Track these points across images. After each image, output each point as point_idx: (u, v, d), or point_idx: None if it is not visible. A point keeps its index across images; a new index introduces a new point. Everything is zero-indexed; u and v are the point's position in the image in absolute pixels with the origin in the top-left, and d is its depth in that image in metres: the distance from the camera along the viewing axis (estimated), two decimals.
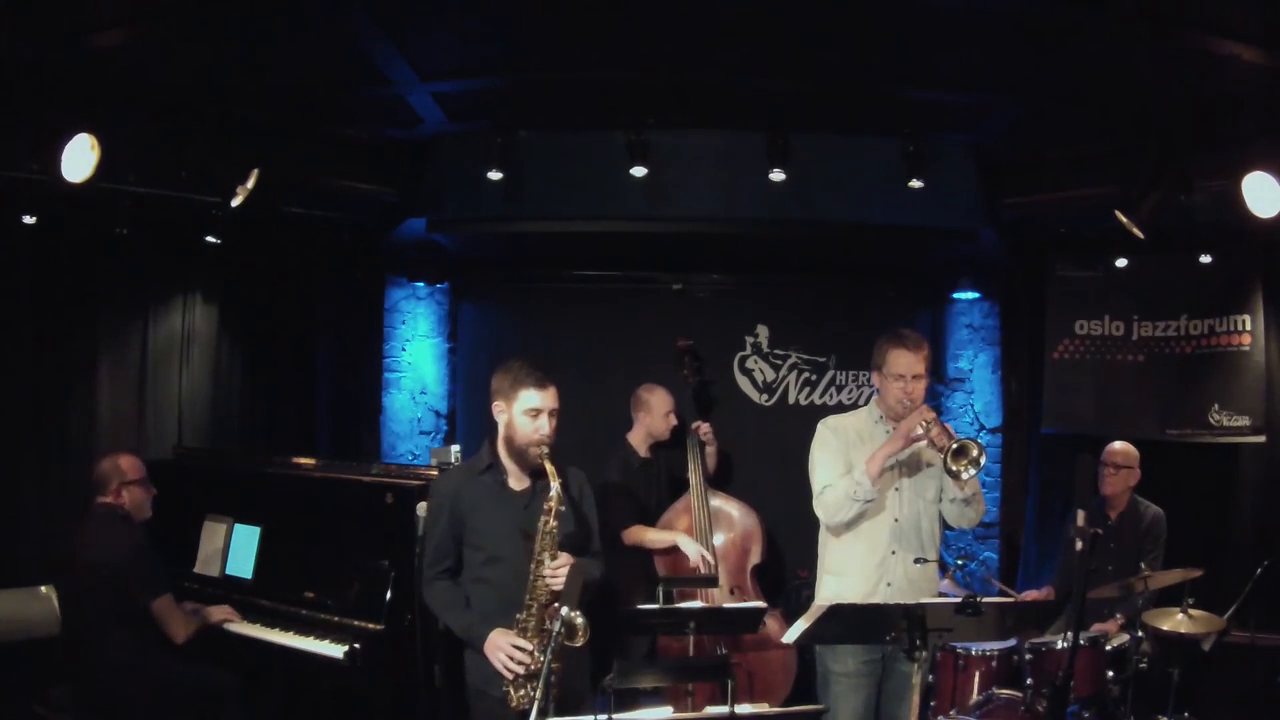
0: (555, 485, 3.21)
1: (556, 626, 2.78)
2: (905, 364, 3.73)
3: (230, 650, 4.43)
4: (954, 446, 3.50)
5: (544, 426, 3.29)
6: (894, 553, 3.76)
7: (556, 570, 3.19)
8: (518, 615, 3.23)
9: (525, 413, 3.30)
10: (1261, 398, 5.31)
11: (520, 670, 3.17)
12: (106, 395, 5.25)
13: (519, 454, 3.34)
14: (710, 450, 5.40)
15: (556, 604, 3.06)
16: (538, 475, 3.35)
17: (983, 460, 3.49)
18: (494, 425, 3.44)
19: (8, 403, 4.88)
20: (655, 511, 5.29)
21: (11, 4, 3.63)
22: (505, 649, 3.18)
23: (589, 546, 3.49)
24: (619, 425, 5.42)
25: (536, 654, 3.17)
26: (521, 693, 3.18)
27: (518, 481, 3.40)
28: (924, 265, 6.21)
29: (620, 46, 4.20)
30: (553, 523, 3.22)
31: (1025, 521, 6.09)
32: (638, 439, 5.35)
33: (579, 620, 2.92)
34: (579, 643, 2.95)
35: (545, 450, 3.26)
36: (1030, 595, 5.11)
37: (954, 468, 3.50)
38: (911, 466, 3.81)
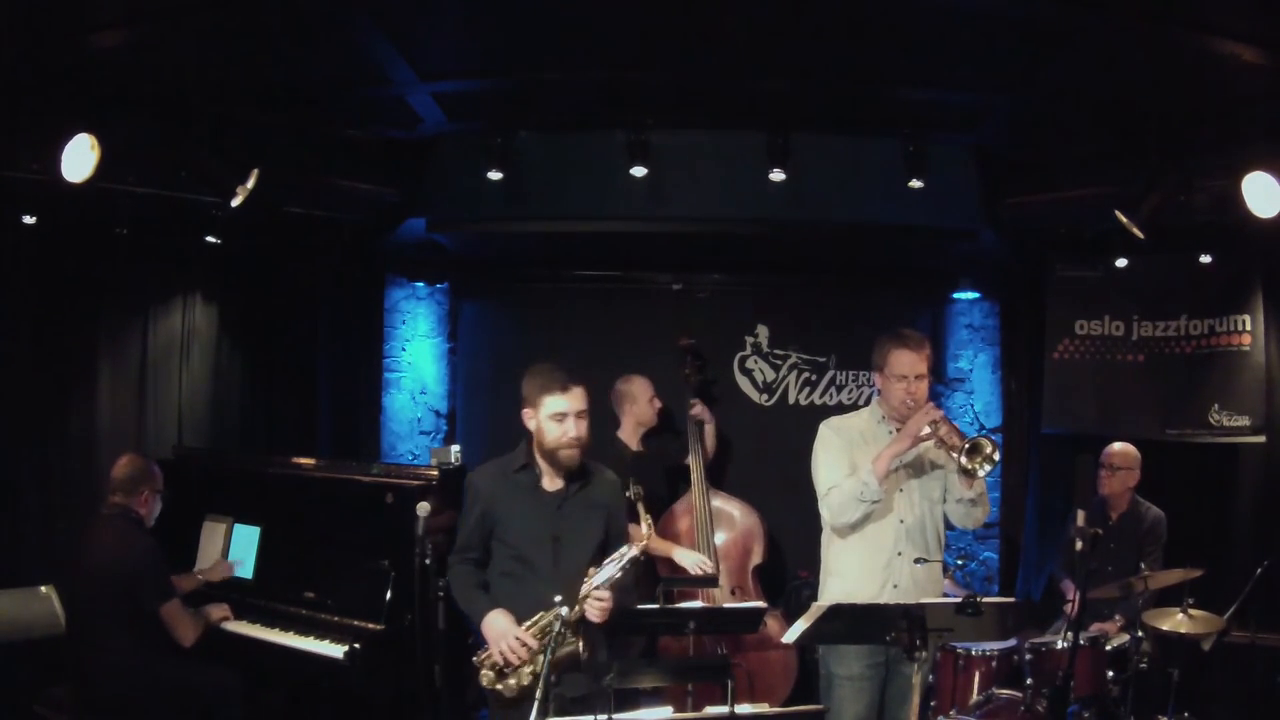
0: (636, 550, 3.21)
1: (557, 626, 2.79)
2: (907, 364, 3.71)
3: (230, 650, 4.43)
4: (967, 445, 3.48)
5: (571, 429, 3.33)
6: (900, 554, 3.73)
7: (599, 600, 3.18)
8: (542, 614, 3.24)
9: (551, 417, 3.33)
10: (1261, 398, 5.31)
11: (515, 661, 3.21)
12: (106, 395, 5.25)
13: (550, 457, 3.38)
14: (709, 430, 5.41)
15: (600, 600, 3.16)
16: (571, 477, 3.42)
17: (996, 456, 3.49)
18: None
19: (8, 403, 4.87)
20: (655, 506, 5.28)
21: (12, 4, 3.63)
22: (509, 639, 3.21)
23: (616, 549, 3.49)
24: (619, 424, 5.42)
25: (539, 655, 3.18)
26: (492, 674, 3.24)
27: (551, 482, 3.44)
28: (924, 265, 6.21)
29: (620, 46, 4.20)
30: (624, 565, 3.20)
31: (1025, 521, 6.09)
32: (628, 433, 5.35)
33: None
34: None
35: (576, 453, 3.33)
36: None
37: (969, 466, 3.48)
38: (916, 467, 3.79)
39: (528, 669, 3.21)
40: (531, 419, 3.40)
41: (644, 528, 3.27)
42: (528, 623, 3.25)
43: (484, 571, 3.46)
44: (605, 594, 3.18)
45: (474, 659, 3.30)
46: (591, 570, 3.24)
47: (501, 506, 3.41)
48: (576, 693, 3.24)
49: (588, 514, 3.42)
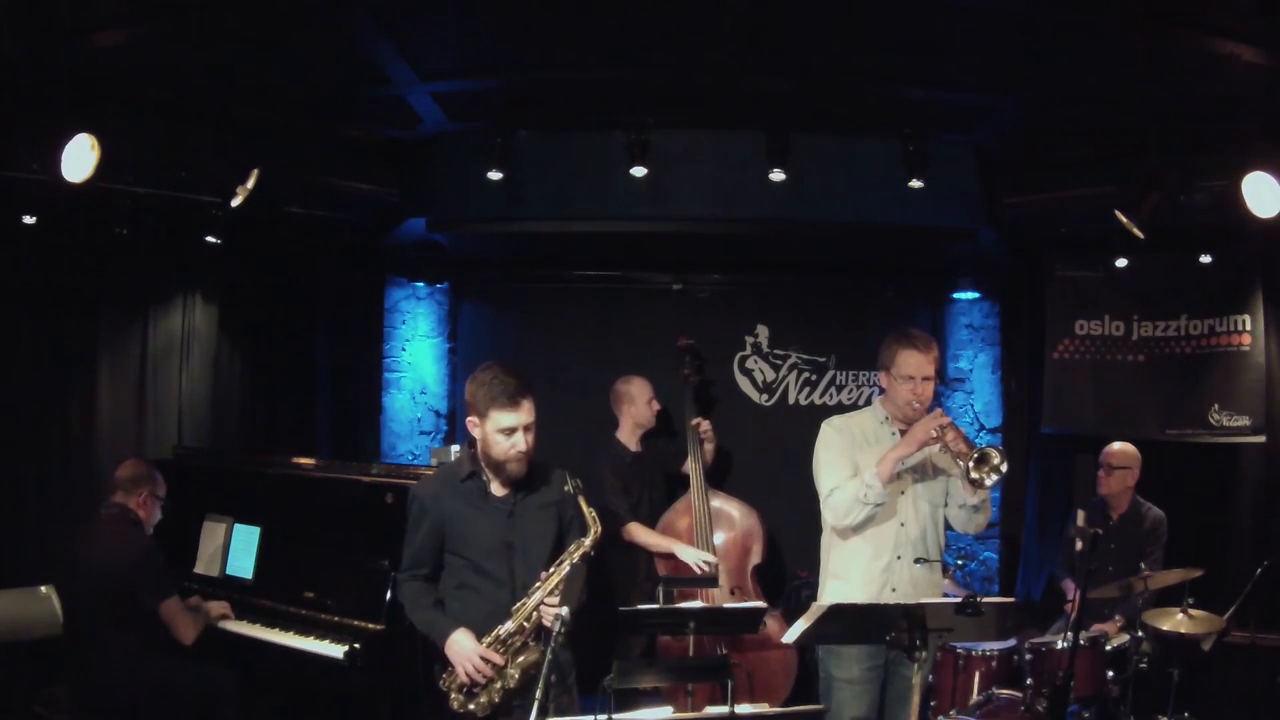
0: (587, 544, 3.21)
1: (557, 626, 2.79)
2: (915, 365, 3.68)
3: (230, 650, 4.43)
4: (976, 455, 3.45)
5: (519, 443, 3.23)
6: (899, 557, 3.70)
7: (552, 606, 3.14)
8: (500, 627, 3.21)
9: (499, 431, 3.23)
10: (1261, 398, 5.31)
11: (481, 681, 3.18)
12: (106, 395, 5.25)
13: (496, 467, 3.30)
14: (709, 448, 5.41)
15: (553, 606, 3.10)
16: (519, 483, 3.34)
17: (1004, 467, 3.43)
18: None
19: (8, 403, 4.87)
20: (653, 506, 5.28)
21: (11, 4, 3.63)
22: (474, 659, 3.17)
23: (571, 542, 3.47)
24: (618, 424, 5.42)
25: (509, 670, 3.18)
26: (462, 696, 3.20)
27: (499, 488, 3.36)
28: (924, 265, 6.21)
29: (620, 46, 4.20)
30: (578, 565, 3.16)
31: (1025, 521, 6.09)
32: (626, 434, 5.35)
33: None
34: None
35: (523, 466, 3.26)
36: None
37: (976, 476, 3.45)
38: (919, 471, 3.76)
39: (497, 684, 3.18)
40: (476, 428, 3.28)
41: (589, 522, 3.22)
42: (486, 639, 3.21)
43: (436, 587, 3.39)
44: (556, 599, 3.09)
45: (439, 683, 3.25)
46: (543, 574, 3.21)
47: (452, 518, 3.32)
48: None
49: (539, 515, 3.35)
